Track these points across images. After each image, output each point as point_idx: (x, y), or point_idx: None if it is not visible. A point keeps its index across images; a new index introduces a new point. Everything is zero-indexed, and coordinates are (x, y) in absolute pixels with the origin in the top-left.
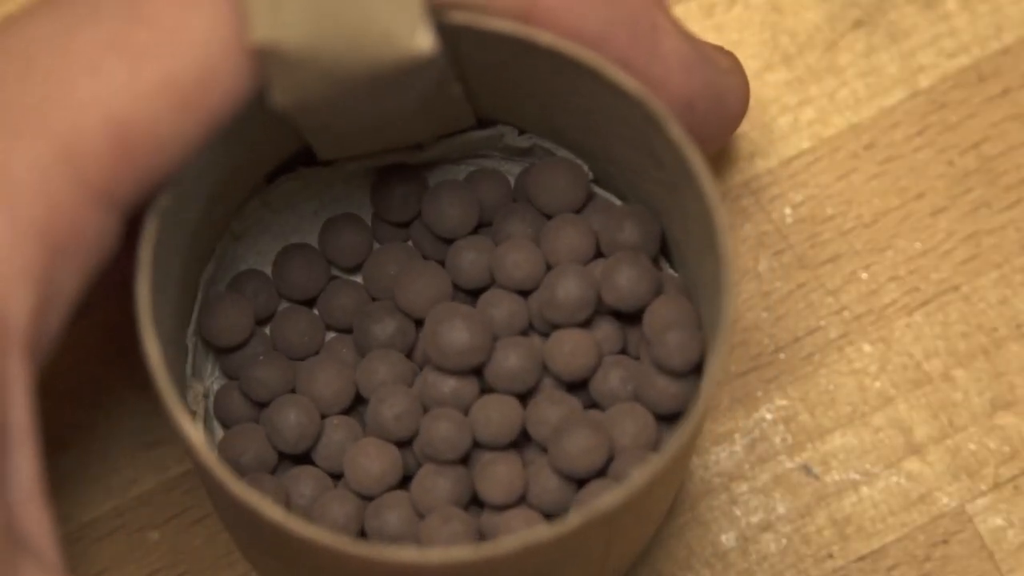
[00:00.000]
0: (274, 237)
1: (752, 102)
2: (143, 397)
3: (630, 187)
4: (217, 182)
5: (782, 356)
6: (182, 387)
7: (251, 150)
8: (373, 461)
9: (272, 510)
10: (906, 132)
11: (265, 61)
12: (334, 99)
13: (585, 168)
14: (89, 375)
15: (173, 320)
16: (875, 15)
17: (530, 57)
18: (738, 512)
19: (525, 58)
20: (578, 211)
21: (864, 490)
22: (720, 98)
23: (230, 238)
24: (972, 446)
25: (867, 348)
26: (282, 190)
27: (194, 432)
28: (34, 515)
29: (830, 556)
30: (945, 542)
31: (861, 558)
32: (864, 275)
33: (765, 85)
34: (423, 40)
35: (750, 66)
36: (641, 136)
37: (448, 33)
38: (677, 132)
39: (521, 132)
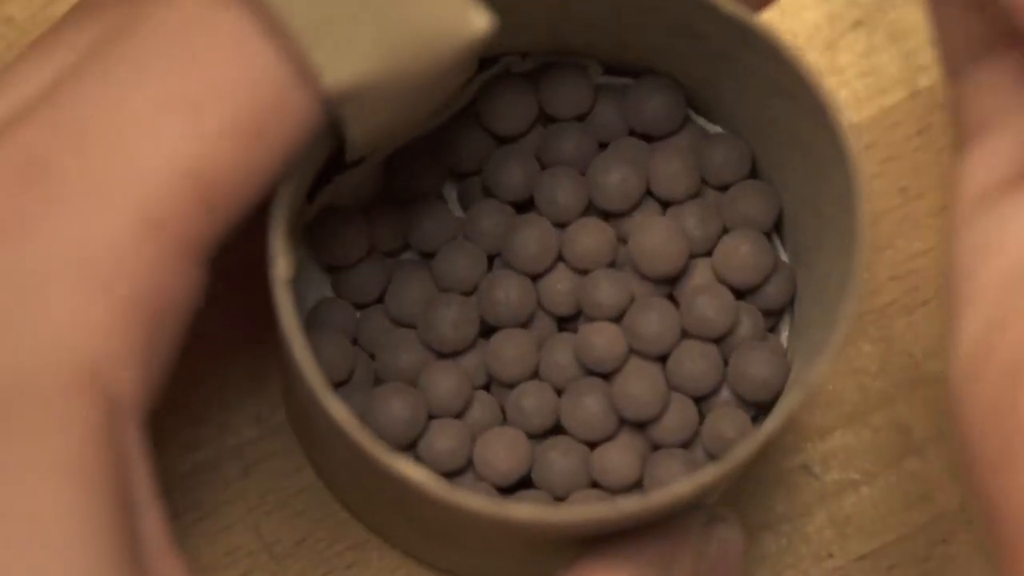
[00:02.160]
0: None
1: None
2: None
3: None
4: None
5: None
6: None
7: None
8: (503, 447)
9: (417, 474)
10: (906, 132)
11: (339, 104)
12: (398, 109)
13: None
14: None
15: None
16: (875, 15)
17: None
18: (738, 511)
19: None
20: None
21: (864, 490)
22: None
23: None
24: None
25: (867, 348)
26: (320, 207)
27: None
28: (168, 570)
29: (830, 556)
30: (945, 542)
31: (861, 558)
32: (864, 275)
33: None
34: (478, 20)
35: None
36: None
37: None
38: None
39: (524, 55)
